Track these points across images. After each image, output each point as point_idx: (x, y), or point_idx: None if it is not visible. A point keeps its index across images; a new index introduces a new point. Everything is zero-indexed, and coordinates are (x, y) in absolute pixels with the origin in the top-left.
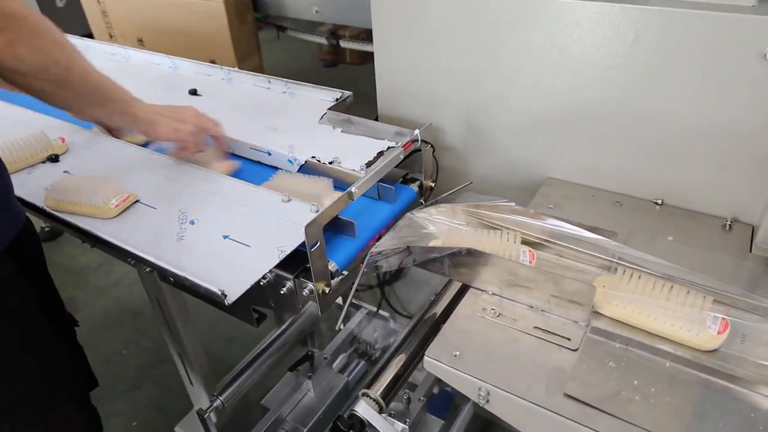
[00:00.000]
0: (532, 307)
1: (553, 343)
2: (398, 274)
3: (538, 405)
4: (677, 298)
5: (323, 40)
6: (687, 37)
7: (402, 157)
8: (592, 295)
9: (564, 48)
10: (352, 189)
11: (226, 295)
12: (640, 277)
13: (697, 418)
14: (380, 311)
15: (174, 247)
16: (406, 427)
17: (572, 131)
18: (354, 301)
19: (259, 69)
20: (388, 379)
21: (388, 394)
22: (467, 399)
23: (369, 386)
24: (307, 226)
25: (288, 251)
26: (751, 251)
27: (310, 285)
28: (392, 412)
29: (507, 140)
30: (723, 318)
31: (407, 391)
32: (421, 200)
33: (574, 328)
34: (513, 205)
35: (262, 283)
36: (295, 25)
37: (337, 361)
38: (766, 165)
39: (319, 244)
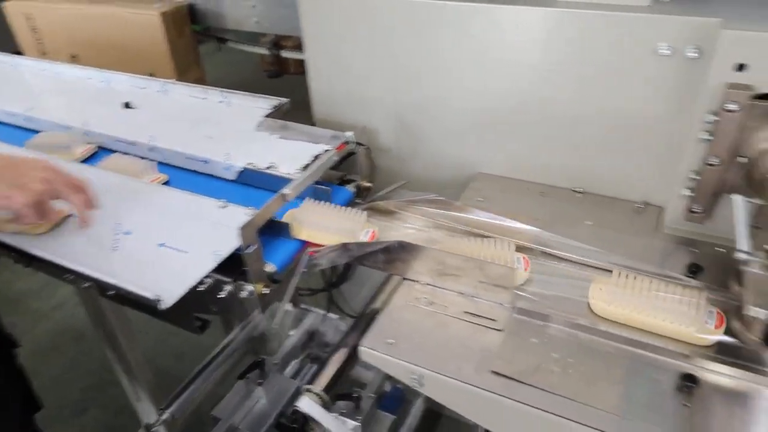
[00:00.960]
0: (461, 293)
1: (481, 325)
2: (345, 275)
3: (467, 383)
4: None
5: (265, 51)
6: (592, 36)
7: (336, 159)
8: (514, 278)
9: (488, 50)
10: (285, 191)
11: (160, 300)
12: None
13: (611, 383)
14: (330, 314)
15: (108, 257)
16: (359, 424)
17: (500, 129)
18: (304, 306)
19: (201, 81)
20: (331, 374)
21: (331, 388)
22: (418, 394)
23: (311, 382)
24: (242, 229)
25: (225, 255)
26: (660, 230)
27: (249, 287)
28: (343, 411)
29: (440, 140)
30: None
31: (357, 389)
32: (358, 200)
33: (500, 310)
34: (442, 198)
35: (200, 289)
36: (237, 36)
37: (290, 366)
38: (668, 151)
39: (255, 246)
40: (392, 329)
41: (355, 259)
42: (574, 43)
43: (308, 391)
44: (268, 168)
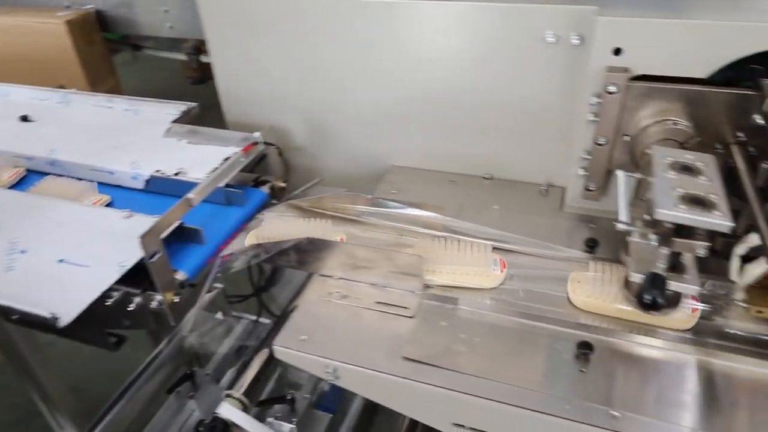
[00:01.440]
0: (374, 284)
1: (393, 313)
2: (273, 279)
3: (379, 371)
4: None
5: (183, 57)
6: (487, 28)
7: (245, 160)
8: (422, 265)
9: (392, 45)
10: (190, 195)
11: (57, 318)
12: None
13: (514, 356)
14: (261, 319)
15: (2, 279)
16: (294, 427)
17: (410, 122)
18: (235, 313)
19: (116, 91)
20: (251, 378)
21: (251, 391)
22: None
23: (231, 387)
24: (142, 237)
25: (129, 265)
26: (562, 210)
27: (159, 297)
28: (278, 414)
29: (352, 135)
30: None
31: (291, 391)
32: (274, 201)
33: (411, 297)
34: (354, 193)
35: (108, 303)
36: (156, 43)
37: (226, 376)
38: (564, 134)
39: (160, 253)
40: (305, 325)
41: (267, 259)
42: (471, 35)
43: (228, 396)
44: (176, 174)
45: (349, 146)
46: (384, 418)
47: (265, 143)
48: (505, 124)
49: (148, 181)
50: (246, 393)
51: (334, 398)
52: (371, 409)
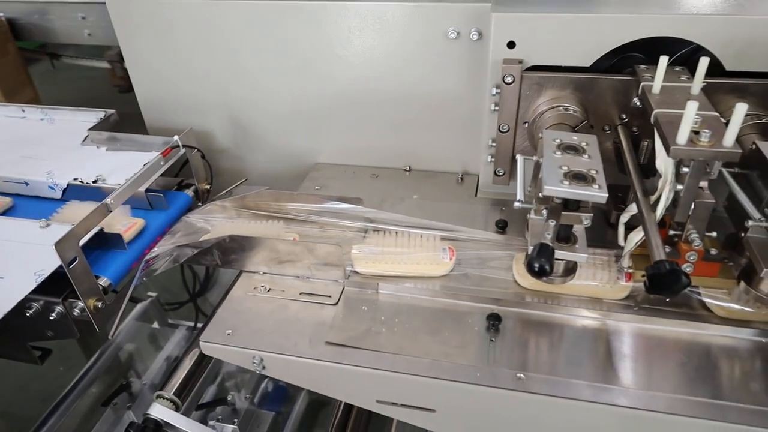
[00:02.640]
0: (298, 276)
1: (317, 302)
2: (207, 284)
3: (303, 357)
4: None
5: (105, 64)
6: (396, 26)
7: (163, 164)
8: (342, 255)
9: (310, 45)
10: (108, 201)
11: None
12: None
13: (430, 333)
14: (199, 324)
15: None
16: (235, 427)
17: (331, 119)
18: (172, 321)
19: (35, 102)
20: (182, 377)
21: (183, 391)
22: (300, 389)
23: (162, 387)
24: (57, 244)
25: (46, 274)
26: (476, 196)
27: (81, 304)
28: (219, 417)
29: (274, 135)
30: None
31: (232, 393)
32: (199, 203)
33: (334, 286)
34: (276, 190)
35: (28, 314)
36: (77, 51)
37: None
38: (473, 124)
39: (78, 260)
40: (231, 320)
41: (191, 259)
42: (381, 33)
43: (159, 397)
44: (95, 182)
45: (273, 146)
46: (330, 413)
47: (186, 146)
48: (419, 117)
49: (65, 190)
50: (178, 393)
51: (279, 397)
52: (316, 405)
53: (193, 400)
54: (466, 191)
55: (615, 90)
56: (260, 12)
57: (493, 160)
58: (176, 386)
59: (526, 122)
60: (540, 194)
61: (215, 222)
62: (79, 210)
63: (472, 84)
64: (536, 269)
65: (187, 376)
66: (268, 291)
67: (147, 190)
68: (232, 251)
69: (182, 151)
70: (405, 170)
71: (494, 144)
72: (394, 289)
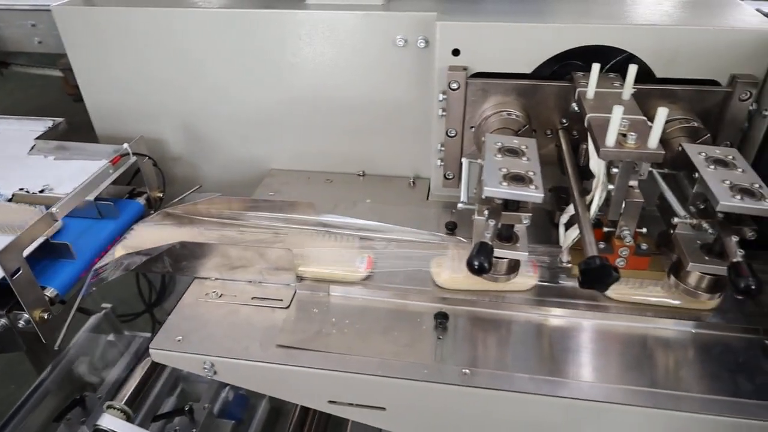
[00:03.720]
0: (250, 281)
1: (268, 306)
2: (164, 293)
3: (254, 361)
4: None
5: (58, 73)
6: (346, 34)
7: (112, 173)
8: (293, 259)
9: (261, 51)
10: (53, 210)
11: None
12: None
13: (380, 333)
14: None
15: None
16: None
17: (285, 125)
18: (128, 332)
19: None
20: (133, 386)
21: (135, 401)
22: (262, 396)
23: (113, 398)
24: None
25: None
26: (428, 199)
27: (26, 315)
28: (177, 428)
29: (228, 142)
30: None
31: (190, 402)
32: (151, 211)
33: (286, 290)
34: (225, 197)
35: None
36: (28, 59)
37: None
38: (424, 129)
39: (22, 270)
40: (182, 326)
41: (141, 266)
42: (332, 41)
43: (110, 407)
44: (42, 191)
45: (227, 153)
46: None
47: (137, 154)
48: (372, 123)
49: (10, 200)
50: (130, 403)
51: (239, 405)
52: (277, 413)
53: (149, 410)
54: (418, 195)
55: (556, 96)
56: (212, 19)
57: (442, 164)
58: (127, 396)
59: (472, 127)
60: (482, 195)
61: (166, 229)
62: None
63: (421, 90)
64: (476, 267)
65: (138, 385)
66: (220, 296)
67: (96, 199)
68: (183, 258)
69: (132, 159)
70: (359, 175)
71: (443, 148)
72: (345, 292)
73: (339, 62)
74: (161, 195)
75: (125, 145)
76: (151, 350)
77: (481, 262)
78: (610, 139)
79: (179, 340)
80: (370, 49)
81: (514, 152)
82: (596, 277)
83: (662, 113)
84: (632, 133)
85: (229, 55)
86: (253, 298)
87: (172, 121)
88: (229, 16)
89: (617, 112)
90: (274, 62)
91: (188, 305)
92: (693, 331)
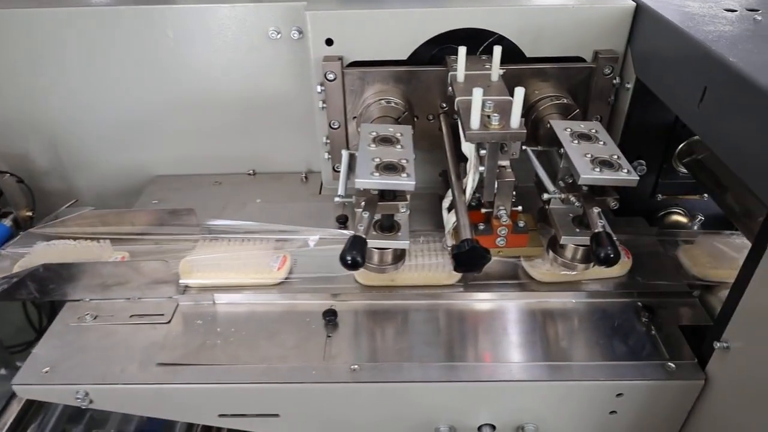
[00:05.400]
0: (128, 299)
1: (148, 323)
2: (54, 319)
3: (131, 384)
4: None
5: None
6: (217, 29)
7: None
8: (171, 270)
9: (136, 52)
10: None
11: None
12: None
13: (267, 338)
14: None
15: None
16: None
17: (167, 129)
18: (19, 363)
19: None
20: (8, 423)
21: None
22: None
23: None
24: None
25: None
26: (320, 193)
27: None
28: None
29: (103, 151)
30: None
31: (94, 430)
32: (21, 232)
33: (168, 303)
34: (97, 211)
35: None
36: None
37: None
38: (310, 122)
39: None
40: (49, 357)
41: (2, 295)
42: (204, 35)
43: None
44: None
45: (105, 162)
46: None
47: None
48: (257, 119)
49: None
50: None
51: (156, 428)
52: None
53: None
54: (311, 190)
55: (435, 80)
56: (74, 19)
57: (330, 156)
58: (6, 428)
59: (355, 117)
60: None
61: (32, 250)
62: None
63: (301, 83)
64: (348, 262)
65: (15, 421)
66: (95, 318)
67: None
68: (49, 281)
69: None
70: (249, 174)
71: (328, 141)
72: (230, 299)
73: (214, 59)
74: (31, 214)
75: None
76: (13, 387)
77: (353, 257)
78: (474, 121)
79: (46, 372)
80: (244, 42)
81: (388, 141)
82: (469, 260)
83: (519, 93)
84: (496, 114)
85: (98, 57)
86: (131, 315)
87: (38, 134)
88: (95, 14)
89: (477, 94)
90: (146, 62)
91: (57, 333)
92: (573, 301)
